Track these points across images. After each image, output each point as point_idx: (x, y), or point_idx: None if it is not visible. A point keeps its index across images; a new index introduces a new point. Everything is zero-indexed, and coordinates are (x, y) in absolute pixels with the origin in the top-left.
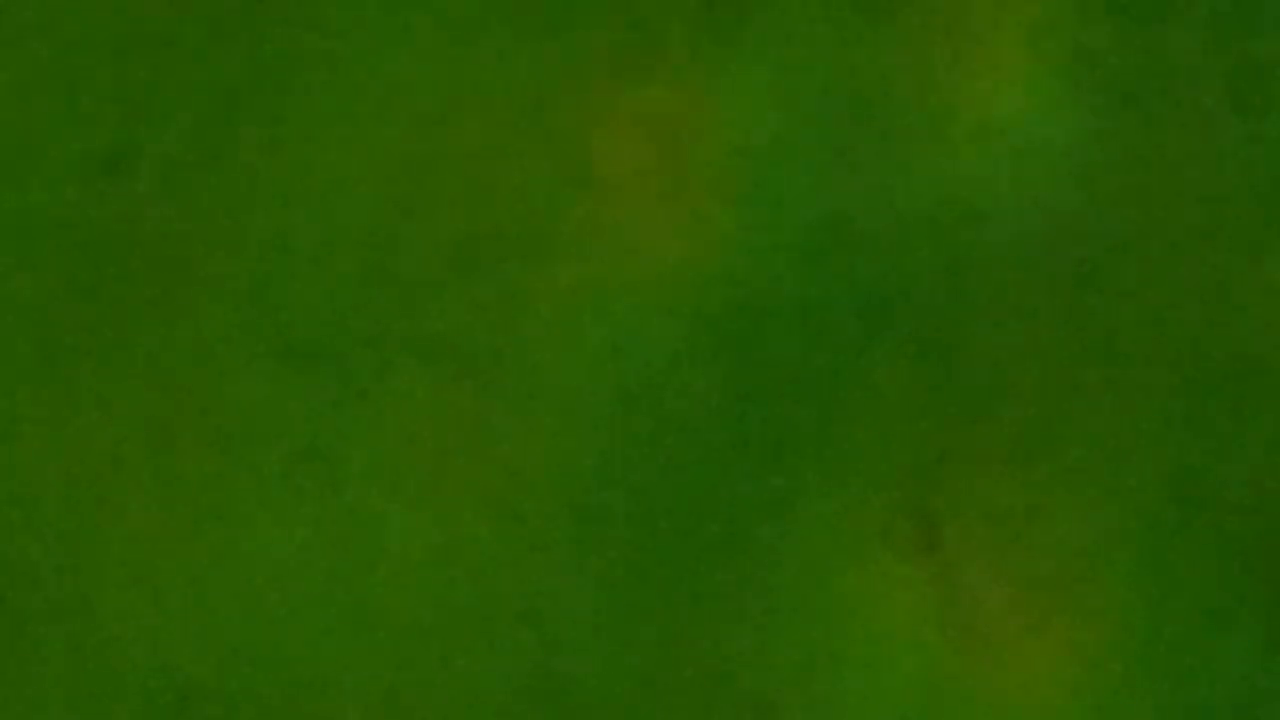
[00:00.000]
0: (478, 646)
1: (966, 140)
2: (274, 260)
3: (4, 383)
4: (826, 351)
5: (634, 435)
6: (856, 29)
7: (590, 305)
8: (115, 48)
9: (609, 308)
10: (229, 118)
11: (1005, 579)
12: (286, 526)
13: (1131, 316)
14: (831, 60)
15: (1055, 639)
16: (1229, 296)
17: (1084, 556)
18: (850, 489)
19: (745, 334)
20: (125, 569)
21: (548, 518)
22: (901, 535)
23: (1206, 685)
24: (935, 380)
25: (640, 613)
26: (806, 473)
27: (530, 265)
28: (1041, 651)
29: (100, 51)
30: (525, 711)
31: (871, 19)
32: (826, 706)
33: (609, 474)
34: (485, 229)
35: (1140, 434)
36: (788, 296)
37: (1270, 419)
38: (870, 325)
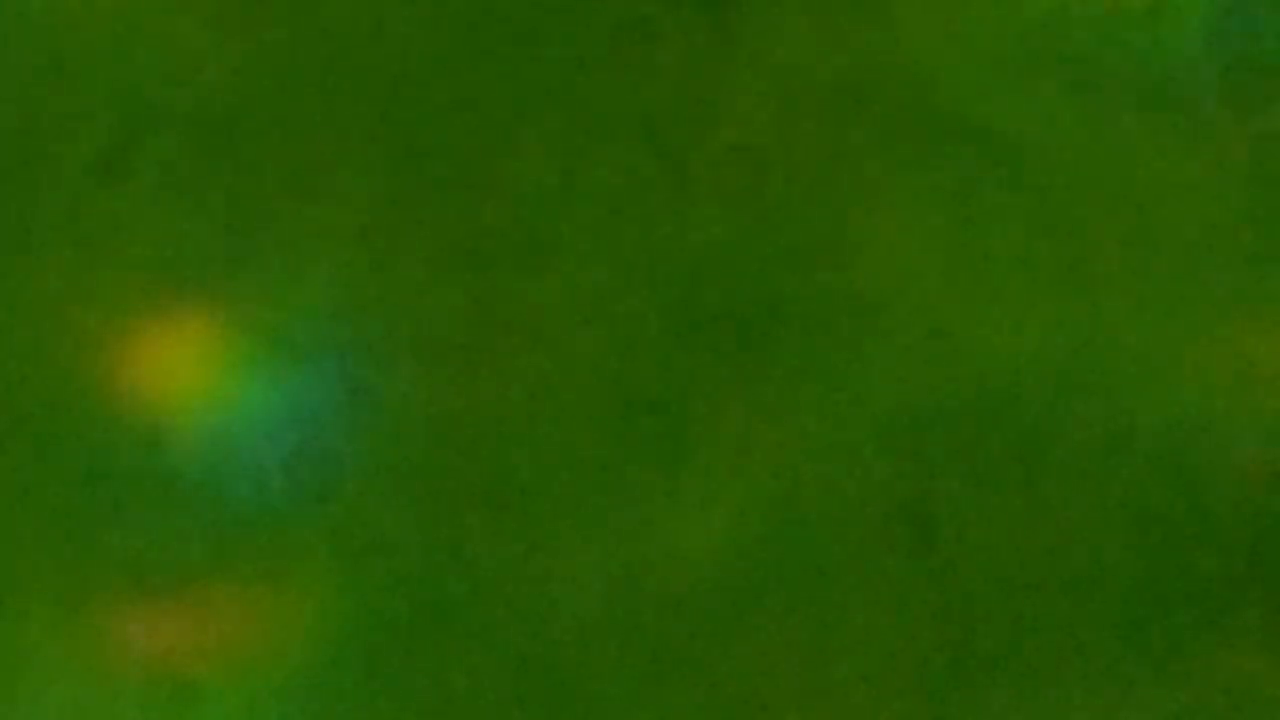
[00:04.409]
0: (478, 646)
1: (961, 141)
2: (274, 260)
3: (5, 381)
4: (825, 351)
5: (633, 434)
6: (855, 29)
7: (590, 305)
8: (116, 48)
9: (609, 308)
10: (229, 118)
11: (1003, 579)
12: (286, 527)
13: (1127, 318)
14: (831, 60)
15: (1054, 639)
16: (1224, 299)
17: (1082, 557)
18: (850, 489)
19: (744, 336)
20: (123, 567)
21: (548, 518)
22: (901, 535)
23: (1206, 685)
24: (935, 382)
25: (641, 613)
26: (806, 473)
27: (530, 265)
28: (1040, 651)
29: (100, 51)
30: (525, 711)
31: (870, 19)
32: (825, 705)
33: (608, 473)
34: (485, 229)
35: (1141, 433)
36: (785, 297)
37: (1266, 416)
38: (867, 325)
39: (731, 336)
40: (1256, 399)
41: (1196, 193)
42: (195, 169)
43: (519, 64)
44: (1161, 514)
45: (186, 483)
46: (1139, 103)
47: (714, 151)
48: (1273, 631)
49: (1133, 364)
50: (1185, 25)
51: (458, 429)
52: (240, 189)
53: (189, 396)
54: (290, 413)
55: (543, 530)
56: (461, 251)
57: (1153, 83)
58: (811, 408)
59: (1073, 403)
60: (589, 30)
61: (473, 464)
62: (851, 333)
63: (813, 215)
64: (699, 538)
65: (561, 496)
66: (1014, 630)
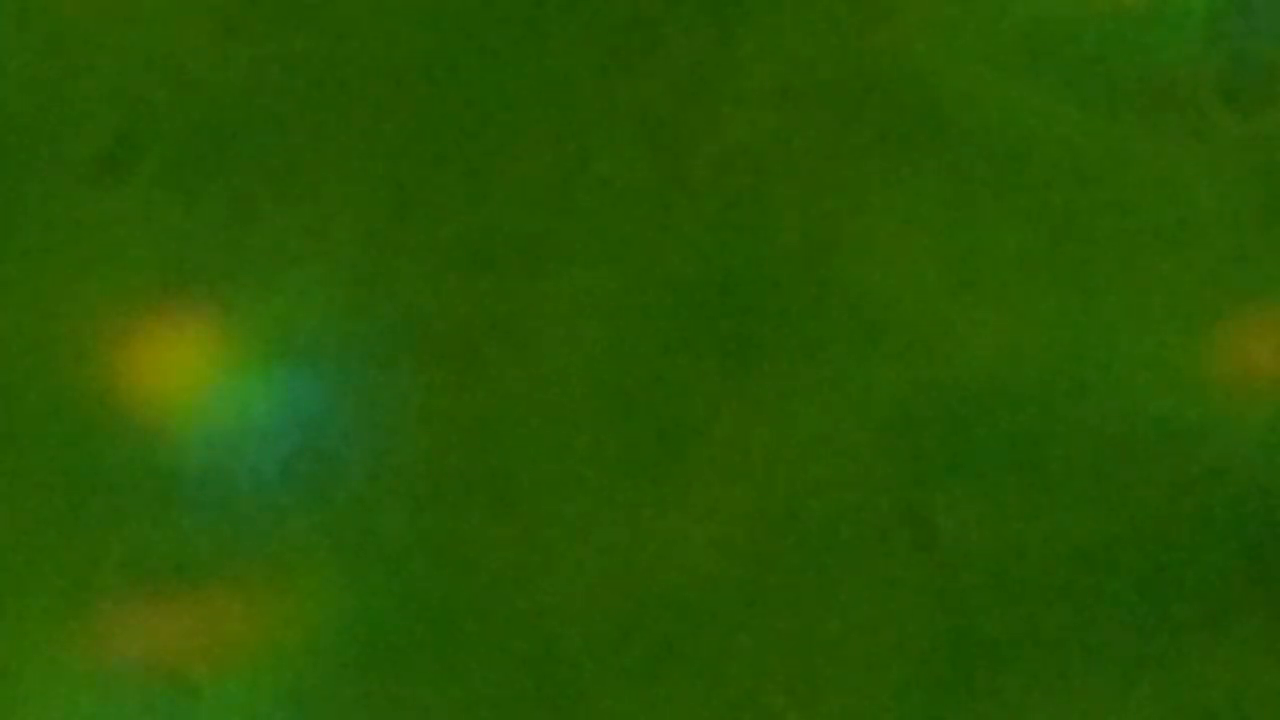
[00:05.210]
0: (477, 646)
1: (961, 141)
2: (274, 260)
3: (4, 382)
4: (825, 351)
5: (633, 434)
6: (855, 29)
7: (590, 305)
8: (116, 49)
9: (609, 308)
10: (229, 118)
11: (1003, 579)
12: (286, 527)
13: (1126, 317)
14: (831, 60)
15: (1054, 639)
16: (1224, 299)
17: (1084, 557)
18: (850, 490)
19: (744, 336)
20: (123, 567)
21: (547, 517)
22: (900, 536)
23: (1206, 685)
24: (934, 382)
25: (641, 612)
26: (805, 473)
27: (530, 265)
28: (1040, 651)
29: (100, 51)
30: (525, 711)
31: (870, 19)
32: (826, 705)
33: (608, 473)
34: (485, 229)
35: (1140, 432)
36: (786, 299)
37: (1266, 416)
38: (866, 324)
39: (731, 336)
40: (1256, 399)
41: (1196, 193)
42: (195, 169)
43: (519, 64)
44: (1161, 514)
45: (186, 483)
46: (1139, 103)
47: (714, 151)
48: (1273, 631)
49: (1132, 363)
50: (1185, 25)
51: (458, 429)
52: (240, 189)
53: (188, 397)
54: (290, 413)
55: (542, 530)
56: (461, 251)
57: (1153, 83)
58: (811, 407)
59: (1072, 403)
60: (589, 30)
61: (473, 464)
62: (851, 332)
63: (813, 215)
64: (698, 537)
65: (561, 496)
66: (1014, 630)
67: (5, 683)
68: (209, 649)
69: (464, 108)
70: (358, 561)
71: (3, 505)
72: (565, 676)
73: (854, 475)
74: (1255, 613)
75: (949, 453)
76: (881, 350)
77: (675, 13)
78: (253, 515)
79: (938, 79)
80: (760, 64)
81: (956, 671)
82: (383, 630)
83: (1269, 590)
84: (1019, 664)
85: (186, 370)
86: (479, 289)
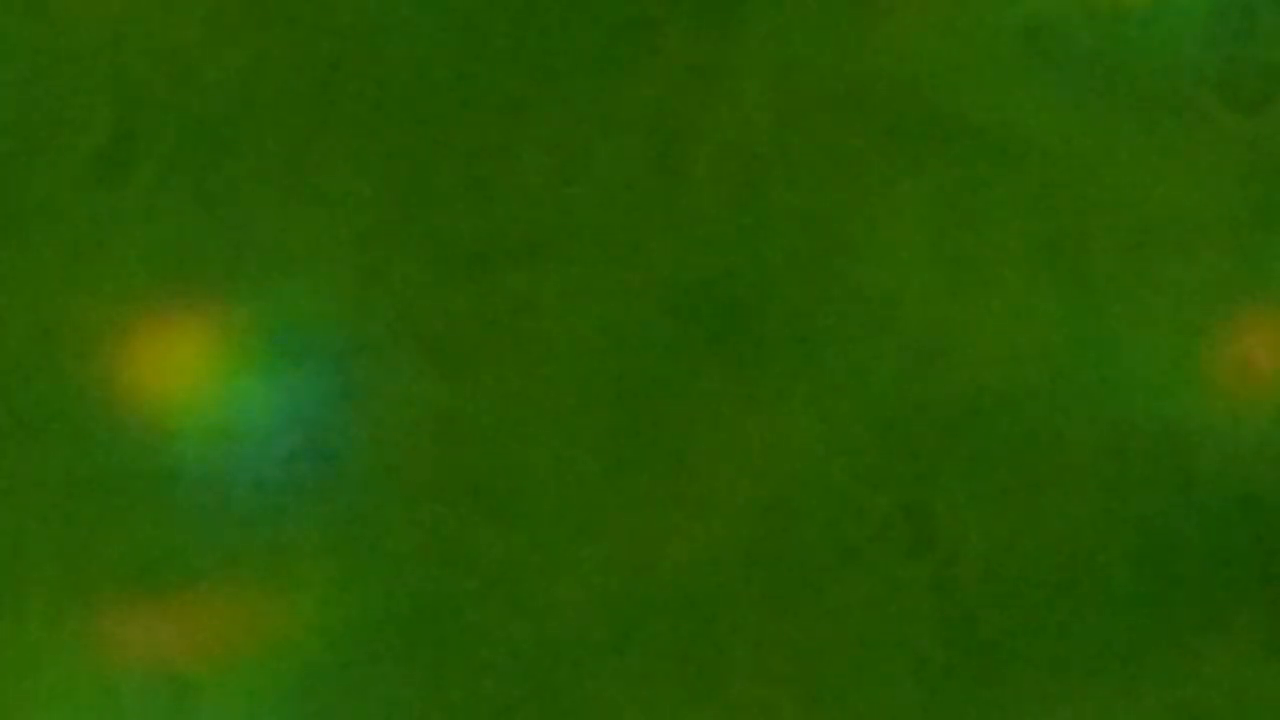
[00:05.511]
0: (477, 646)
1: (961, 141)
2: (273, 259)
3: (4, 382)
4: (825, 351)
5: (633, 434)
6: (855, 29)
7: (590, 305)
8: (115, 47)
9: (608, 308)
10: (228, 117)
11: (1003, 579)
12: (287, 526)
13: (1126, 317)
14: (831, 60)
15: (1054, 639)
16: (1224, 299)
17: (1082, 556)
18: (850, 489)
19: (744, 335)
20: (123, 567)
21: (547, 517)
22: (900, 536)
23: (1206, 685)
24: (934, 381)
25: (641, 612)
26: (805, 472)
27: (530, 265)
28: (1039, 651)
29: (100, 51)
30: (525, 711)
31: (870, 19)
32: (825, 706)
33: (608, 473)
34: (485, 229)
35: (1140, 432)
36: (785, 297)
37: (1266, 416)
38: (866, 324)
39: (731, 336)
40: (1256, 399)
41: (1196, 193)
42: (194, 168)
43: (519, 64)
44: (1161, 514)
45: (186, 483)
46: (1139, 103)
47: (713, 151)
48: (1273, 631)
49: (1132, 364)
50: (1185, 25)
51: (458, 429)
52: (239, 188)
53: (189, 396)
54: (290, 413)
55: (542, 529)
56: (461, 251)
57: (1153, 83)
58: (811, 407)
59: (1072, 402)
60: (589, 30)
61: (473, 464)
62: (851, 332)
63: (812, 215)
64: (698, 537)
65: (561, 496)
66: (1013, 630)
67: (5, 683)
68: (209, 649)
69: (464, 108)
70: (358, 561)
71: (3, 505)
72: (565, 676)
73: (854, 475)
74: (1255, 613)
75: (949, 453)
76: (881, 349)
77: (675, 13)
78: (253, 515)
79: (937, 79)
80: (760, 64)
81: (956, 671)
82: (383, 630)
83: (1269, 590)
84: (1019, 664)
85: (186, 370)
86: (479, 289)
